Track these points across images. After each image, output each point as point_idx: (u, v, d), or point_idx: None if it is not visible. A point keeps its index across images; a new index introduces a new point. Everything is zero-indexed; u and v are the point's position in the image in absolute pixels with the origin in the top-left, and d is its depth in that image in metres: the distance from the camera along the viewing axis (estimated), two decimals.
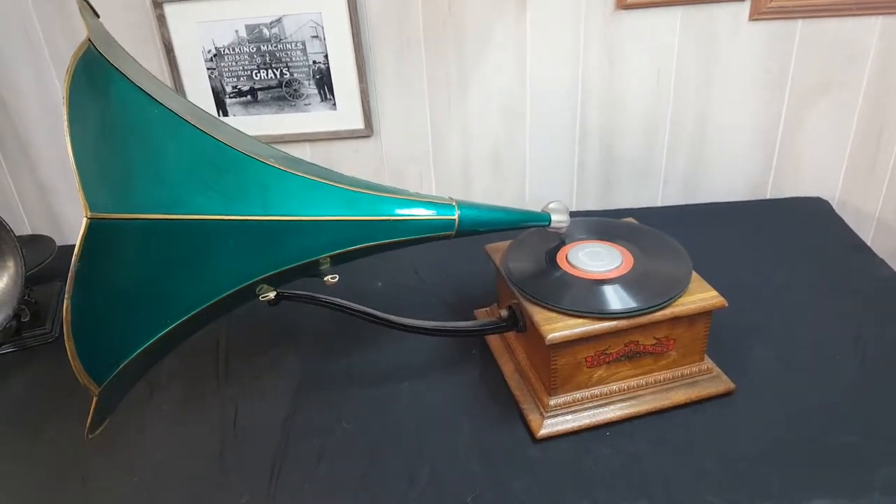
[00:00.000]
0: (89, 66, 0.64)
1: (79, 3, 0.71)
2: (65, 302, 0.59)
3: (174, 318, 0.71)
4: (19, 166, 1.37)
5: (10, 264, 1.07)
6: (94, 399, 0.67)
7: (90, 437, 0.71)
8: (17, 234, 1.06)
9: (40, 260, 1.21)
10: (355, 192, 0.82)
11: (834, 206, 1.38)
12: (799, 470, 0.79)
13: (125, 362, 0.68)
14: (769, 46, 1.27)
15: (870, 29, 1.24)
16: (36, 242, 1.27)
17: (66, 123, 0.57)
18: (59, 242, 1.28)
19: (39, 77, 1.28)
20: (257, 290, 0.79)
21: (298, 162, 0.83)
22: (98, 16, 0.78)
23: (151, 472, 0.85)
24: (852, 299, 1.07)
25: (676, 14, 1.24)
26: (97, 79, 0.65)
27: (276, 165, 0.78)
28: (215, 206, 0.70)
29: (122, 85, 0.67)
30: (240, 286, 0.75)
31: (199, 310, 0.72)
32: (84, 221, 0.58)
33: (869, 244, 1.25)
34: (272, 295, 0.80)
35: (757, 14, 1.23)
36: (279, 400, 0.94)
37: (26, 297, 1.12)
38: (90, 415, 0.68)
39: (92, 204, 0.58)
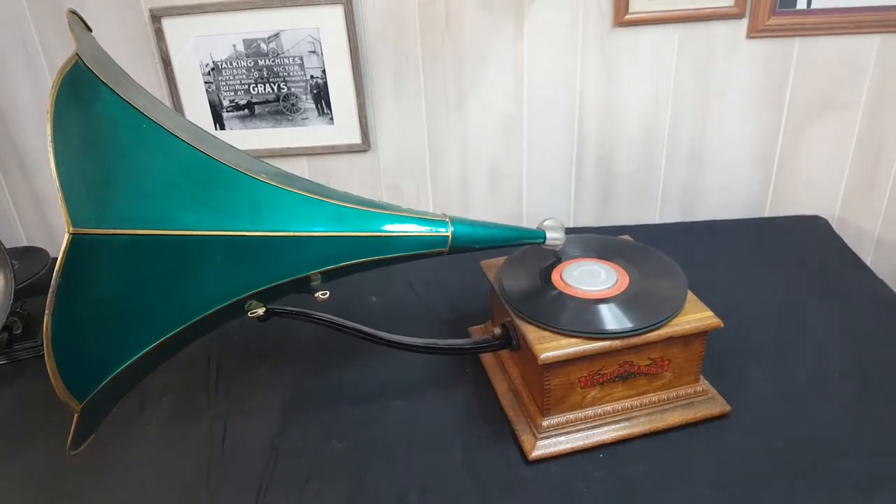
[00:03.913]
0: (76, 80, 0.63)
1: (69, 18, 0.70)
2: (45, 318, 0.58)
3: (159, 335, 0.70)
4: (16, 177, 1.37)
5: (0, 277, 1.06)
6: (76, 416, 0.66)
7: (72, 453, 0.70)
8: (12, 246, 1.06)
9: (34, 272, 1.20)
10: (347, 207, 0.82)
11: (833, 225, 1.37)
12: (795, 494, 0.78)
13: (108, 379, 0.67)
14: (767, 64, 1.26)
15: (868, 47, 1.24)
16: (30, 254, 1.27)
17: (49, 138, 0.57)
18: (53, 254, 1.27)
19: (36, 88, 1.28)
20: (246, 306, 0.78)
21: (290, 177, 0.82)
22: (90, 29, 0.77)
23: (139, 489, 0.84)
24: (851, 320, 1.06)
25: (674, 31, 1.24)
26: (83, 93, 0.65)
27: (267, 181, 0.77)
28: (203, 222, 0.69)
29: (109, 99, 0.67)
30: (227, 302, 0.74)
31: (185, 326, 0.72)
32: (66, 237, 0.57)
33: (868, 264, 1.23)
34: (261, 311, 0.79)
35: (754, 32, 1.23)
36: (269, 417, 0.93)
37: (18, 310, 1.12)
38: (71, 432, 0.67)
39: (75, 219, 0.58)
